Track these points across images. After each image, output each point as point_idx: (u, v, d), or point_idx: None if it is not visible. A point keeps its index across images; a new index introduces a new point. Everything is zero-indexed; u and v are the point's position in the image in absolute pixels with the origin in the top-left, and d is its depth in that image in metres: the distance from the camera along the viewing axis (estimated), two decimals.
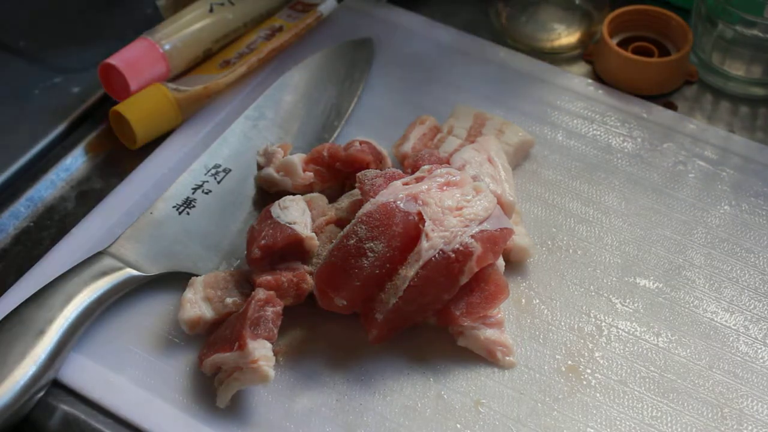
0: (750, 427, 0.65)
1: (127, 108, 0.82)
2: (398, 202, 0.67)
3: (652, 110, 0.86)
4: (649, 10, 0.90)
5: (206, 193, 0.77)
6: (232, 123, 0.83)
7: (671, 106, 0.87)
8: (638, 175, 0.81)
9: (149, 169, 0.81)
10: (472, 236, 0.66)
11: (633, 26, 0.91)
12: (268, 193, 0.78)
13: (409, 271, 0.66)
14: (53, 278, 0.69)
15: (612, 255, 0.75)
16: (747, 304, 0.72)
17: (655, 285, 0.73)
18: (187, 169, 0.79)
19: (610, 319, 0.71)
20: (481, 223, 0.67)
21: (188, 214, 0.76)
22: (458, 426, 0.65)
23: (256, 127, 0.83)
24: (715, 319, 0.71)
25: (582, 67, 0.91)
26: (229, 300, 0.69)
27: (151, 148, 0.83)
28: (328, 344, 0.69)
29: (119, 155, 0.84)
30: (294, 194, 0.74)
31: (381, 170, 0.73)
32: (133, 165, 0.82)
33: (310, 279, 0.69)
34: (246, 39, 0.89)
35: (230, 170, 0.79)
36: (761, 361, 0.69)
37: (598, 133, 0.84)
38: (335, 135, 0.84)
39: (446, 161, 0.74)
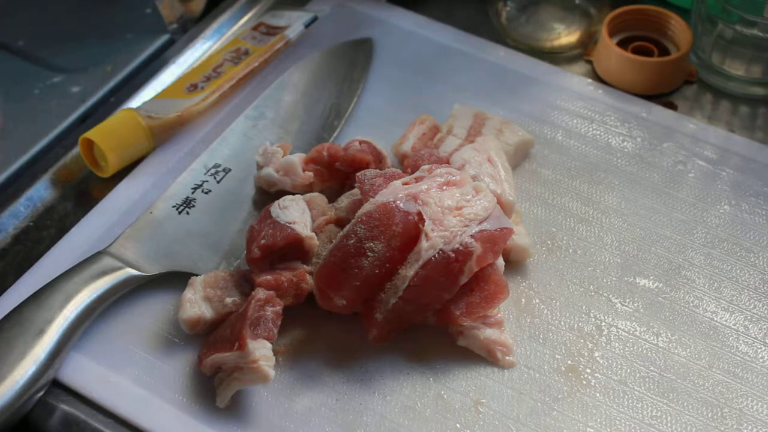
0: (750, 427, 0.65)
1: (98, 135, 0.79)
2: (398, 202, 0.67)
3: (652, 110, 0.86)
4: (649, 9, 0.90)
5: (206, 193, 0.77)
6: (232, 123, 0.83)
7: (671, 106, 0.87)
8: (638, 175, 0.81)
9: (149, 169, 0.81)
10: (472, 236, 0.66)
11: (633, 26, 0.91)
12: (268, 193, 0.78)
13: (408, 271, 0.66)
14: (53, 278, 0.69)
15: (612, 255, 0.75)
16: (747, 304, 0.72)
17: (655, 285, 0.73)
18: (186, 168, 0.79)
19: (610, 319, 0.71)
20: (480, 222, 0.67)
21: (188, 213, 0.76)
22: (458, 426, 0.65)
23: (256, 127, 0.83)
24: (715, 318, 0.71)
25: (582, 67, 0.91)
26: (229, 300, 0.69)
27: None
28: (328, 344, 0.69)
29: None
30: (294, 194, 0.74)
31: (381, 170, 0.73)
32: (132, 165, 0.82)
33: (310, 279, 0.69)
34: (211, 61, 0.87)
35: (230, 170, 0.79)
36: (761, 361, 0.69)
37: (598, 132, 0.84)
38: (335, 135, 0.84)
39: (446, 161, 0.74)
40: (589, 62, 0.92)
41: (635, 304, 0.72)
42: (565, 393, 0.67)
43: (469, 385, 0.67)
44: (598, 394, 0.67)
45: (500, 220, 0.68)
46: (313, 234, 0.70)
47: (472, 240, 0.66)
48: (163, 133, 0.82)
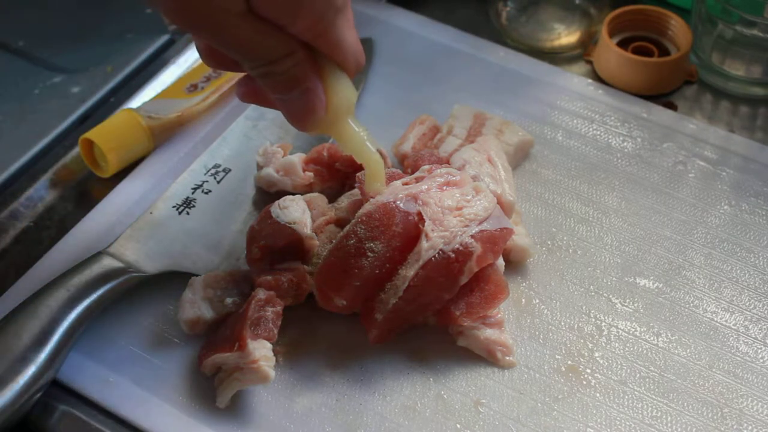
0: (750, 427, 0.65)
1: (98, 135, 0.79)
2: (398, 202, 0.67)
3: (652, 110, 0.86)
4: (649, 10, 0.90)
5: (206, 193, 0.77)
6: (232, 123, 0.83)
7: (671, 106, 0.87)
8: (638, 175, 0.81)
9: (149, 169, 0.81)
10: (472, 236, 0.66)
11: (633, 26, 0.91)
12: (268, 193, 0.78)
13: (409, 271, 0.66)
14: (53, 278, 0.69)
15: (612, 255, 0.75)
16: (747, 304, 0.72)
17: (655, 285, 0.73)
18: (186, 169, 0.79)
19: (610, 319, 0.71)
20: (481, 223, 0.67)
21: (188, 214, 0.76)
22: (458, 426, 0.65)
23: (256, 127, 0.83)
24: (715, 319, 0.71)
25: (582, 67, 0.92)
26: (229, 300, 0.69)
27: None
28: (328, 344, 0.69)
29: None
30: (294, 194, 0.74)
31: None
32: (132, 165, 0.81)
33: (310, 279, 0.69)
34: None
35: (230, 170, 0.79)
36: (761, 361, 0.69)
37: (598, 133, 0.84)
38: None
39: (446, 161, 0.74)
40: (589, 62, 0.92)
41: (635, 305, 0.72)
42: (565, 393, 0.67)
43: (469, 385, 0.67)
44: (598, 395, 0.67)
45: (500, 221, 0.68)
46: (313, 234, 0.70)
47: (472, 240, 0.66)
48: (163, 134, 0.82)
